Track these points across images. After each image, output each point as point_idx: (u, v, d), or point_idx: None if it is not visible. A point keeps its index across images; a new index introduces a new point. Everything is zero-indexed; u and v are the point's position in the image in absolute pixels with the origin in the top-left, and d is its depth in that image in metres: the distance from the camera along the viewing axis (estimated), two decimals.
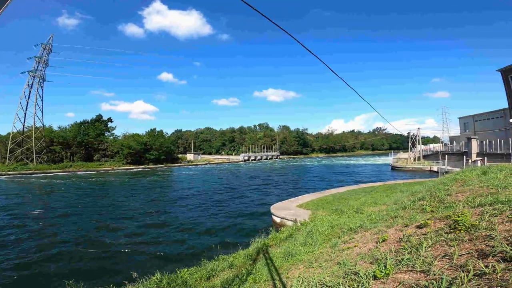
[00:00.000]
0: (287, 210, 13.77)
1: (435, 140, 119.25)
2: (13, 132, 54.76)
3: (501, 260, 2.57)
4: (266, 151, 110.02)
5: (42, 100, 57.59)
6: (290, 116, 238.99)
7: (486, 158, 28.40)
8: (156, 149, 66.12)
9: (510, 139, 31.97)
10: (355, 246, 5.05)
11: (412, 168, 46.01)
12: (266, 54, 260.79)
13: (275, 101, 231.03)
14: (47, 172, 49.95)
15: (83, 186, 33.43)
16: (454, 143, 50.66)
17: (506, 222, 3.54)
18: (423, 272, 2.86)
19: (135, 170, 56.99)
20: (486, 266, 2.51)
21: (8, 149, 53.27)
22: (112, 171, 55.05)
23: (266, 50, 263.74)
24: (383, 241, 4.61)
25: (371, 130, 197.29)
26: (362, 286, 3.02)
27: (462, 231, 3.62)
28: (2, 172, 46.62)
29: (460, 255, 2.98)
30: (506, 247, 2.72)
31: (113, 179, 40.88)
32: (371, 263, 3.75)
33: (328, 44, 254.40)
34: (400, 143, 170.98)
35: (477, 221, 3.76)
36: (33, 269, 9.97)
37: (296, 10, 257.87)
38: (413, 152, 56.76)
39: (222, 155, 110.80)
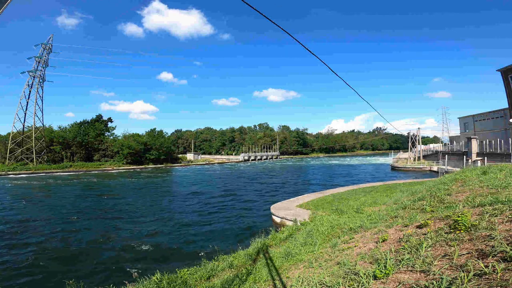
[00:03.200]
0: (287, 210, 13.77)
1: (435, 140, 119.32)
2: (13, 132, 54.70)
3: (501, 260, 2.57)
4: (266, 151, 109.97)
5: (42, 100, 57.53)
6: (290, 116, 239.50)
7: (486, 158, 28.39)
8: (156, 149, 66.08)
9: (510, 139, 31.98)
10: (355, 246, 5.05)
11: (412, 168, 46.02)
12: (266, 54, 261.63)
13: (275, 101, 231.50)
14: (47, 172, 49.92)
15: (83, 186, 33.42)
16: (454, 143, 50.67)
17: (506, 222, 3.54)
18: (423, 272, 2.86)
19: (135, 170, 56.95)
20: (486, 266, 2.51)
21: (8, 149, 53.22)
22: (112, 171, 55.02)
23: (267, 50, 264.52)
24: (383, 241, 4.61)
25: (371, 130, 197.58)
26: (362, 286, 3.03)
27: (462, 231, 3.62)
28: (2, 172, 46.59)
29: (460, 255, 2.98)
30: (506, 247, 2.72)
31: (113, 179, 40.86)
32: (371, 263, 3.75)
33: (329, 44, 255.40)
34: (400, 143, 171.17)
35: (477, 221, 3.76)
36: (33, 269, 9.97)
37: (297, 10, 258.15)
38: (413, 152, 56.75)
39: (222, 155, 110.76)
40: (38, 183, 36.84)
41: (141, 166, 61.44)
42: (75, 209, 20.17)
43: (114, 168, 57.79)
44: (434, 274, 2.70)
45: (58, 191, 29.71)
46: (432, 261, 3.00)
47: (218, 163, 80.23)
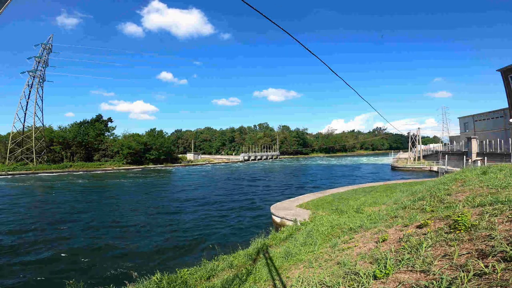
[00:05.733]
0: (287, 210, 13.77)
1: (435, 140, 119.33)
2: (13, 132, 54.68)
3: (501, 260, 2.57)
4: (266, 151, 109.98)
5: (42, 100, 57.54)
6: (290, 116, 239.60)
7: (486, 158, 28.41)
8: (156, 149, 66.09)
9: (510, 139, 31.98)
10: (355, 246, 5.05)
11: (412, 168, 46.01)
12: (266, 54, 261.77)
13: (275, 101, 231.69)
14: (47, 172, 49.92)
15: (83, 187, 33.42)
16: (454, 143, 50.67)
17: (506, 222, 3.54)
18: (423, 272, 2.86)
19: (135, 170, 56.94)
20: (486, 266, 2.51)
21: (8, 149, 53.21)
22: (112, 171, 55.02)
23: (267, 50, 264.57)
24: (383, 241, 4.61)
25: (371, 130, 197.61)
26: (362, 286, 3.03)
27: (462, 231, 3.62)
28: (2, 172, 46.57)
29: (460, 255, 2.98)
30: (506, 247, 2.72)
31: (113, 180, 40.86)
32: (371, 263, 3.75)
33: (329, 44, 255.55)
34: (400, 143, 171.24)
35: (477, 221, 3.76)
36: (33, 270, 9.96)
37: (297, 11, 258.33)
38: (413, 152, 56.77)
39: (222, 155, 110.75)
40: (38, 182, 36.83)
41: (141, 166, 61.43)
42: (73, 209, 20.16)
43: (114, 168, 57.77)
44: (434, 274, 2.70)
45: (57, 191, 29.71)
46: (432, 261, 3.00)
47: (218, 163, 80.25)
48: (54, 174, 48.92)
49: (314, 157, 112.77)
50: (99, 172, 53.20)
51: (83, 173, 50.40)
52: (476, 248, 3.02)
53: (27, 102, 55.36)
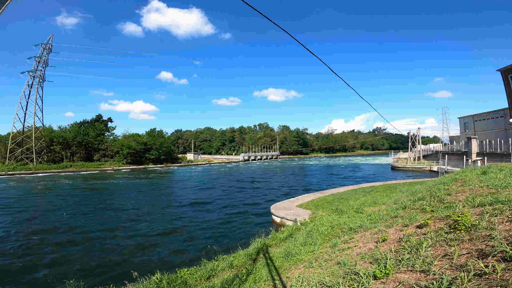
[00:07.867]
0: (287, 210, 13.77)
1: (435, 140, 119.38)
2: (13, 132, 54.67)
3: (501, 260, 2.57)
4: (266, 151, 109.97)
5: (42, 100, 57.51)
6: (290, 116, 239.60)
7: (486, 158, 28.41)
8: (156, 149, 66.07)
9: (510, 139, 31.99)
10: (355, 246, 5.05)
11: (412, 168, 46.01)
12: (267, 54, 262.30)
13: (275, 100, 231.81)
14: (47, 172, 49.89)
15: (83, 187, 33.41)
16: (454, 143, 50.70)
17: (506, 222, 3.54)
18: (423, 272, 2.86)
19: (135, 170, 56.94)
20: (486, 266, 2.51)
21: (8, 149, 53.19)
22: (112, 171, 55.01)
23: (267, 50, 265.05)
24: (383, 241, 4.61)
25: (371, 130, 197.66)
26: (362, 286, 3.02)
27: (462, 231, 3.62)
28: (2, 172, 46.55)
29: (460, 255, 2.97)
30: (506, 247, 2.72)
31: (112, 180, 40.85)
32: (371, 263, 3.75)
33: (329, 44, 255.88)
34: (400, 143, 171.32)
35: (477, 221, 3.76)
36: (33, 269, 9.96)
37: (297, 11, 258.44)
38: (413, 152, 56.77)
39: (222, 155, 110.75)
40: (38, 182, 36.82)
41: (141, 166, 61.41)
42: (73, 209, 20.15)
43: (114, 168, 57.75)
44: (434, 274, 2.70)
45: (57, 192, 29.70)
46: (432, 261, 3.00)
47: (218, 163, 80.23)
48: (54, 174, 48.90)
49: (314, 157, 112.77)
50: (99, 172, 53.18)
51: (83, 173, 50.36)
52: (476, 248, 3.02)
53: (27, 102, 55.35)
